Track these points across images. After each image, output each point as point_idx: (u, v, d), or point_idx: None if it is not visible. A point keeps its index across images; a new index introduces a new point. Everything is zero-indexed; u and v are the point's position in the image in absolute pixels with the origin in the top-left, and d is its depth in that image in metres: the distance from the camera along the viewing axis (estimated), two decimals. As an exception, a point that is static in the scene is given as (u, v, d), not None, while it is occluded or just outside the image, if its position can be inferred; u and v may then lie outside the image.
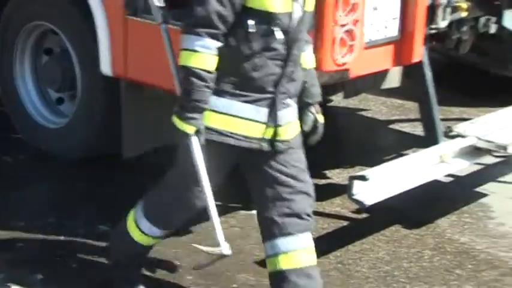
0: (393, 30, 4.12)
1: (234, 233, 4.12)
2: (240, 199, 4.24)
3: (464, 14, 4.32)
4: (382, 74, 4.70)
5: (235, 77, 3.05)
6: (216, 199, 3.14)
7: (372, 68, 4.15)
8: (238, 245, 3.93)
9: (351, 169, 4.88)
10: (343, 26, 3.78)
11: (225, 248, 3.13)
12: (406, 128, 5.80)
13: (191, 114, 3.02)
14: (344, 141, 5.61)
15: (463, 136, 4.38)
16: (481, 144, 4.34)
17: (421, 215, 4.43)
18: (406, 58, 4.18)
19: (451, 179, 4.77)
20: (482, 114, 5.00)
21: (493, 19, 4.59)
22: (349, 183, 3.86)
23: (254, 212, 3.41)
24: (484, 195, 4.74)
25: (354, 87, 4.94)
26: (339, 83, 4.49)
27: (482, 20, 4.60)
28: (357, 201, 3.88)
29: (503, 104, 5.05)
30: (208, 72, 2.99)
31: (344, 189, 4.01)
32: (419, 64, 4.31)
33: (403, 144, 5.32)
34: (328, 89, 5.21)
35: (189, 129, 3.03)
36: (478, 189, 4.81)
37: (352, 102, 6.24)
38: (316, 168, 5.00)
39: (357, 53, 3.89)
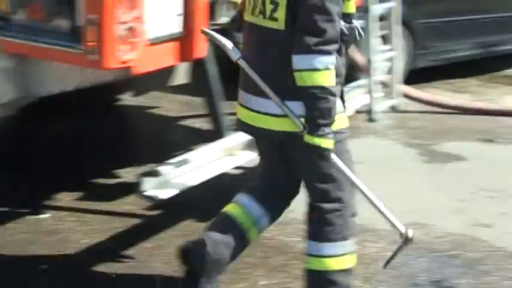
0: (177, 27, 4.15)
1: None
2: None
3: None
4: (170, 71, 4.75)
5: (337, 77, 3.19)
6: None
7: (156, 65, 4.17)
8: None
9: (142, 167, 4.88)
10: (124, 23, 3.77)
11: (409, 232, 3.31)
12: (196, 123, 5.88)
13: (329, 129, 3.12)
14: (135, 140, 5.60)
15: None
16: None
17: (213, 207, 4.51)
18: (190, 54, 4.23)
19: (240, 171, 4.89)
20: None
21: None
22: (140, 180, 3.88)
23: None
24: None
25: (143, 85, 4.95)
26: (127, 81, 4.49)
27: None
28: (148, 198, 3.90)
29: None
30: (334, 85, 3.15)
31: (136, 188, 4.01)
32: (203, 60, 4.39)
33: (193, 139, 5.40)
34: (116, 88, 5.20)
35: (330, 144, 3.13)
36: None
37: (143, 100, 6.25)
38: (106, 168, 5.01)
39: (141, 50, 3.90)
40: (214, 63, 4.47)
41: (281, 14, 3.18)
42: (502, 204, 4.88)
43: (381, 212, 3.33)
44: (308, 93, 3.12)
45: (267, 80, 3.23)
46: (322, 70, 3.08)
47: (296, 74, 3.13)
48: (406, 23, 7.12)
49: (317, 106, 3.10)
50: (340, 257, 3.35)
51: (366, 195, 3.29)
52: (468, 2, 8.18)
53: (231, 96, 4.30)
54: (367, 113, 5.59)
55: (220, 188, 4.55)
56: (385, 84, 5.87)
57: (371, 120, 5.52)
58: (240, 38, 3.47)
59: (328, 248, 3.33)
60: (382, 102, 5.69)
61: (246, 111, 3.37)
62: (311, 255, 3.38)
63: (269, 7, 3.21)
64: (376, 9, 5.55)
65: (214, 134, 4.52)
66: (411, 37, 7.52)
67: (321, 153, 3.15)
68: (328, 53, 3.09)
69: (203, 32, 3.51)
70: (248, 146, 4.44)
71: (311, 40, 3.08)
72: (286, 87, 3.19)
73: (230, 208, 3.57)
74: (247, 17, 3.34)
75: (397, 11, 5.86)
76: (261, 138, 3.49)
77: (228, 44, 3.33)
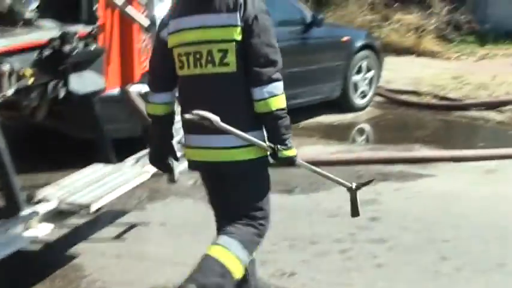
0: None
1: None
2: None
3: (30, 81, 4.34)
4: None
5: None
6: None
7: None
8: None
9: None
10: None
11: (353, 184, 4.01)
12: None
13: (290, 141, 3.78)
14: None
15: (46, 201, 4.41)
16: (64, 207, 4.39)
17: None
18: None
19: (40, 244, 4.75)
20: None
21: (61, 83, 4.67)
22: None
23: None
24: (75, 256, 4.80)
25: None
26: None
27: (51, 85, 4.65)
28: None
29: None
30: None
31: None
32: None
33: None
34: None
35: (295, 151, 3.81)
36: (69, 251, 4.86)
37: None
38: None
39: None
40: (2, 137, 4.32)
41: (231, 58, 3.70)
42: (303, 252, 5.03)
43: (328, 177, 4.04)
44: (273, 116, 3.72)
45: (226, 120, 3.66)
46: (280, 95, 3.71)
47: (260, 103, 3.70)
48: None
49: (282, 125, 3.74)
50: (241, 264, 3.77)
51: (313, 169, 4.00)
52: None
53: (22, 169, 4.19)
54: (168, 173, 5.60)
55: (24, 264, 4.40)
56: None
57: (172, 181, 5.52)
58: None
59: (240, 250, 3.78)
60: (182, 161, 5.71)
61: (204, 151, 3.83)
62: (220, 245, 3.76)
63: (217, 55, 3.72)
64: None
65: (8, 210, 4.35)
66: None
67: (292, 162, 3.83)
68: (280, 79, 3.71)
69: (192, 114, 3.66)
70: (47, 218, 4.33)
71: (268, 72, 3.69)
72: (246, 120, 3.74)
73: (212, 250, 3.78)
74: (188, 72, 3.79)
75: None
76: (222, 172, 3.86)
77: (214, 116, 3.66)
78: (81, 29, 4.74)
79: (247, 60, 3.69)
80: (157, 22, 4.84)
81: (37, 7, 4.62)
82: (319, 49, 9.22)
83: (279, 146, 3.74)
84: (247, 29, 3.71)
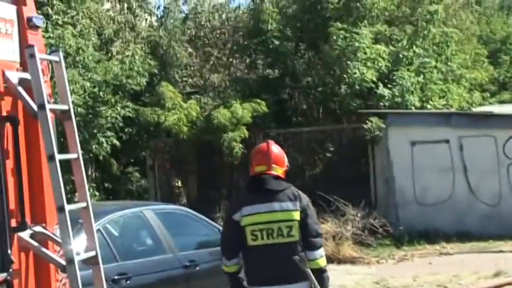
0: None
1: None
2: None
3: None
4: None
5: None
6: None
7: None
8: None
9: None
10: None
11: None
12: None
13: None
14: None
15: None
16: None
17: None
18: None
19: None
20: None
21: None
22: None
23: None
24: None
25: None
26: None
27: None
28: None
29: None
30: None
31: None
32: None
33: None
34: None
35: None
36: None
37: None
38: None
39: None
40: None
41: (295, 231, 5.76)
42: None
43: None
44: (321, 270, 5.81)
45: (291, 272, 5.71)
46: (324, 256, 5.91)
47: (313, 262, 5.77)
48: None
49: (326, 276, 5.85)
50: None
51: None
52: (178, 286, 8.32)
53: None
54: None
55: None
56: None
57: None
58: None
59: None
60: None
61: None
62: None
63: (286, 230, 5.75)
64: None
65: None
66: None
67: None
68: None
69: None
70: None
71: (318, 242, 5.87)
72: (302, 273, 5.69)
73: None
74: (261, 242, 5.74)
75: None
76: None
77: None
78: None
79: (303, 233, 5.77)
80: (76, 261, 4.79)
81: None
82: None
83: None
84: (303, 213, 5.80)
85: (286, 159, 6.04)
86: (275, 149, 6.00)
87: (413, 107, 17.04)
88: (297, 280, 5.70)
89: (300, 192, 5.90)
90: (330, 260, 13.91)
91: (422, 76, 17.70)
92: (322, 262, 5.79)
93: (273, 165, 5.89)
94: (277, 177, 5.88)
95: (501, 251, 13.80)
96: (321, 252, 5.80)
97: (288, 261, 5.64)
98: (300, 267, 5.62)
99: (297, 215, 5.74)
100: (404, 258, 13.91)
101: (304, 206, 5.79)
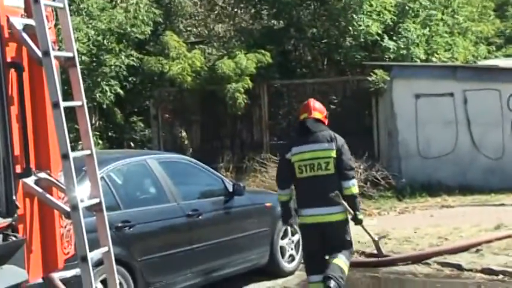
0: None
1: None
2: None
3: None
4: None
5: None
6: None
7: None
8: None
9: None
10: None
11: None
12: None
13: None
14: None
15: None
16: None
17: None
18: None
19: None
20: None
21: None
22: None
23: None
24: None
25: None
26: None
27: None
28: None
29: None
30: None
31: None
32: None
33: None
34: None
35: (363, 217, 7.81)
36: None
37: None
38: None
39: None
40: None
41: (331, 166, 7.52)
42: None
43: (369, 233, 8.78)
44: (354, 196, 7.56)
45: (329, 198, 7.41)
46: (356, 185, 7.64)
47: (347, 189, 7.50)
48: (124, 264, 7.14)
49: (357, 201, 7.71)
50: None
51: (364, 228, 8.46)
52: (181, 234, 8.40)
53: None
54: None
55: None
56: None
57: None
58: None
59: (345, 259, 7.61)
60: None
61: (315, 218, 7.58)
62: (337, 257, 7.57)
63: (324, 165, 7.50)
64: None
65: None
66: (131, 276, 7.50)
67: (361, 222, 7.79)
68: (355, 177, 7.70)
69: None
70: None
71: (351, 174, 7.57)
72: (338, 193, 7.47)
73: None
74: (306, 175, 7.57)
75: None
76: (320, 229, 7.56)
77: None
78: None
79: (339, 167, 7.47)
80: (80, 208, 4.83)
81: None
82: (243, 217, 9.25)
83: (357, 212, 7.60)
84: (339, 151, 7.49)
85: (325, 110, 7.87)
86: (315, 101, 7.82)
87: (418, 60, 16.96)
88: (333, 204, 7.44)
89: (336, 134, 7.61)
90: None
91: (428, 29, 17.58)
92: (354, 190, 7.53)
93: (313, 111, 7.65)
94: (317, 120, 7.64)
95: (503, 204, 13.83)
96: (353, 181, 7.51)
97: (326, 188, 7.39)
98: (338, 201, 7.40)
99: (333, 153, 7.47)
100: (406, 211, 13.97)
101: (339, 146, 7.50)
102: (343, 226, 7.60)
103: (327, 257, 7.57)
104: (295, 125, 7.98)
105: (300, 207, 7.72)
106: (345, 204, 7.40)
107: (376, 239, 8.34)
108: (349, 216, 7.59)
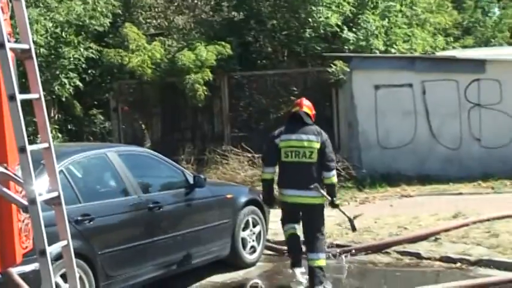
0: None
1: None
2: None
3: None
4: None
5: None
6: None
7: None
8: None
9: None
10: None
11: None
12: None
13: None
14: None
15: None
16: None
17: None
18: None
19: None
20: None
21: None
22: None
23: None
24: None
25: None
26: None
27: None
28: None
29: None
30: None
31: None
32: None
33: None
34: None
35: (338, 202, 9.06)
36: None
37: None
38: None
39: None
40: None
41: (315, 156, 8.39)
42: None
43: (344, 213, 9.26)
44: (333, 184, 8.49)
45: (310, 184, 8.33)
46: (335, 175, 8.55)
47: (328, 179, 8.44)
48: (84, 257, 7.09)
49: (335, 189, 8.58)
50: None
51: (341, 210, 9.17)
52: (142, 227, 8.38)
53: None
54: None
55: None
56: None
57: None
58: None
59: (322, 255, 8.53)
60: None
61: (295, 198, 8.46)
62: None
63: (308, 154, 8.38)
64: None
65: None
66: (91, 270, 7.45)
67: (337, 206, 8.77)
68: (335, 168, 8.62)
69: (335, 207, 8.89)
70: None
71: (332, 165, 8.44)
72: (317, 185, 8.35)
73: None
74: (291, 160, 8.44)
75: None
76: (298, 209, 8.50)
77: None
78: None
79: (321, 158, 8.37)
80: (38, 201, 4.79)
81: None
82: (204, 209, 9.25)
83: (334, 198, 8.53)
84: (323, 145, 8.41)
85: (313, 109, 8.75)
86: (306, 100, 8.80)
87: (377, 51, 17.09)
88: (312, 188, 8.33)
89: (321, 130, 8.58)
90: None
91: (387, 20, 17.72)
92: (334, 179, 8.50)
93: (304, 106, 8.63)
94: (306, 114, 8.58)
95: (460, 193, 14.03)
96: (334, 172, 8.47)
97: (308, 175, 8.35)
98: (317, 182, 8.36)
99: (317, 145, 8.39)
100: (366, 201, 14.08)
101: (324, 140, 8.45)
102: (320, 210, 8.51)
103: (307, 256, 8.52)
104: (285, 117, 9.32)
105: (281, 188, 8.58)
106: (324, 192, 8.37)
107: (352, 217, 8.99)
108: (327, 202, 8.52)
